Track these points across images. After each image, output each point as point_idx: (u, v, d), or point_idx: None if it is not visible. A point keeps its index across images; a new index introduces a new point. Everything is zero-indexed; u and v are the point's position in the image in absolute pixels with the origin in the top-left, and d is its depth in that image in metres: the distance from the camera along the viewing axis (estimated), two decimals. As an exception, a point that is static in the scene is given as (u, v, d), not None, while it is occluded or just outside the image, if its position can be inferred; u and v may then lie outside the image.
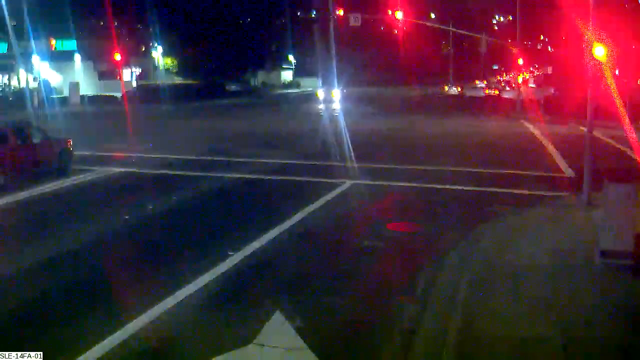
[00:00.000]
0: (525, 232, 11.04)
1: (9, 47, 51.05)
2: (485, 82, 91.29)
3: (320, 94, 55.25)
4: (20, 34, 46.42)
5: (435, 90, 77.51)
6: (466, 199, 14.46)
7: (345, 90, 58.97)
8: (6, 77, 56.84)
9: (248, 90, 70.58)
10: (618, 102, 20.68)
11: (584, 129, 13.70)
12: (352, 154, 20.55)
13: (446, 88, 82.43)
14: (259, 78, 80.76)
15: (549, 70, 57.37)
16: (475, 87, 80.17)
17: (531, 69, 77.94)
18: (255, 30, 65.77)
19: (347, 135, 25.41)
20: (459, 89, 75.87)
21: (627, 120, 22.74)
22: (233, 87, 70.27)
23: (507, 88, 61.22)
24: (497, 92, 60.20)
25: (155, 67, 67.15)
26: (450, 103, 55.54)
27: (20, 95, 46.95)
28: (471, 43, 78.93)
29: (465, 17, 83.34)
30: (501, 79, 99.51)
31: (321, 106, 45.00)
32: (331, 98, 50.47)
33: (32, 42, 46.42)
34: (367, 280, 8.95)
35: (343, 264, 9.69)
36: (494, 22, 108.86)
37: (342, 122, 31.56)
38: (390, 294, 8.28)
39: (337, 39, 76.25)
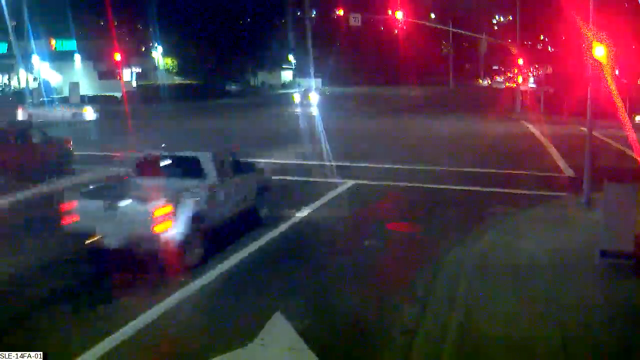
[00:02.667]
0: (525, 232, 11.03)
1: (9, 47, 51.00)
2: (502, 78, 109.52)
3: (297, 97, 52.58)
4: (20, 34, 46.36)
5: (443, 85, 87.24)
6: (466, 198, 14.46)
7: (328, 92, 57.61)
8: (6, 77, 56.83)
9: (247, 91, 70.52)
10: (618, 102, 20.67)
11: (584, 128, 13.70)
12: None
13: (480, 81, 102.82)
14: (259, 78, 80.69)
15: (549, 69, 57.34)
16: (497, 82, 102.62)
17: (531, 68, 78.62)
18: (255, 30, 65.65)
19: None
20: (489, 82, 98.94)
21: (626, 120, 22.74)
22: (233, 87, 70.18)
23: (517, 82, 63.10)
24: (514, 85, 62.18)
25: (155, 67, 67.09)
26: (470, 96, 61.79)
27: (20, 95, 46.92)
28: (471, 43, 79.00)
29: (465, 17, 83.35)
30: (511, 75, 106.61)
31: (298, 109, 44.25)
32: (309, 102, 48.67)
33: (32, 42, 46.36)
34: (366, 280, 8.95)
35: (342, 263, 9.70)
36: (494, 22, 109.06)
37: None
38: (390, 294, 8.28)
39: (334, 39, 76.29)
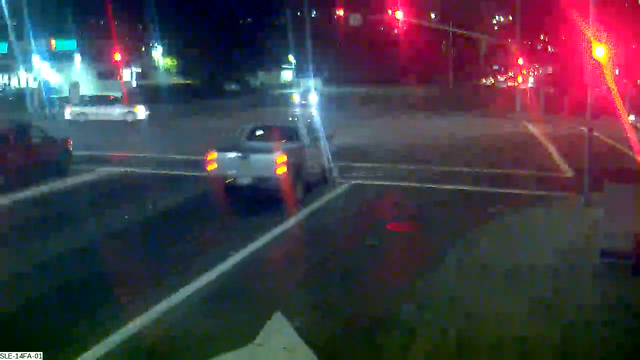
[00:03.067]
0: (525, 232, 11.05)
1: (9, 47, 51.00)
2: (504, 77, 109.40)
3: (296, 97, 53.30)
4: (20, 34, 46.36)
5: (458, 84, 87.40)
6: (466, 198, 14.46)
7: (326, 93, 57.69)
8: (6, 77, 56.81)
9: (247, 91, 70.44)
10: (618, 102, 20.66)
11: (584, 128, 13.70)
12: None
13: (483, 80, 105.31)
14: (259, 78, 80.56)
15: (549, 69, 57.35)
16: (499, 81, 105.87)
17: (531, 69, 78.76)
18: (255, 30, 65.55)
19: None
20: (492, 81, 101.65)
21: (627, 120, 22.72)
22: (233, 87, 70.10)
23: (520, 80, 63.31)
24: (515, 83, 62.56)
25: (155, 67, 67.05)
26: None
27: (20, 95, 46.92)
28: (472, 42, 79.00)
29: (466, 16, 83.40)
30: (512, 74, 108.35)
31: (297, 110, 44.42)
32: (308, 102, 48.99)
33: (32, 42, 46.35)
34: (366, 280, 8.95)
35: (342, 262, 9.70)
36: (494, 22, 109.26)
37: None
38: (390, 294, 8.28)
39: (334, 39, 76.33)
